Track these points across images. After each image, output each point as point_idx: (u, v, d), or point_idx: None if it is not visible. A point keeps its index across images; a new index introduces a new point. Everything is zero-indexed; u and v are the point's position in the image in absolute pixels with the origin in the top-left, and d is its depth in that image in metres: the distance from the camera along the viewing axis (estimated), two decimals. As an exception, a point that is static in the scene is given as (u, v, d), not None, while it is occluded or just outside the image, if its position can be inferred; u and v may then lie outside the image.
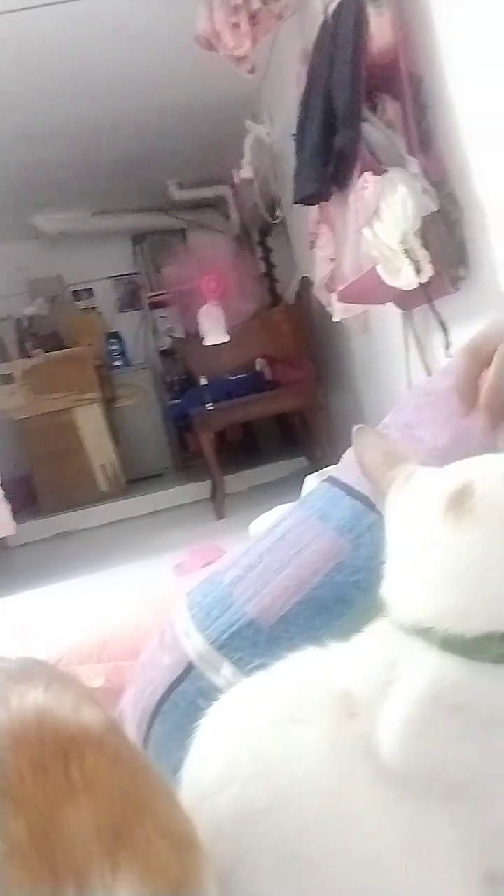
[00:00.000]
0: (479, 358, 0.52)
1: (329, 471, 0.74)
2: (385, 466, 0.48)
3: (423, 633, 0.39)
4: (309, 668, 0.45)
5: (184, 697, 0.60)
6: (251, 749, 0.41)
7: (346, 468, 0.69)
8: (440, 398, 0.64)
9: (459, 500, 0.40)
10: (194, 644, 0.62)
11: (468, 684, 0.37)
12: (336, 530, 0.63)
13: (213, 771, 0.41)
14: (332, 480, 0.69)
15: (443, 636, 0.38)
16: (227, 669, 0.59)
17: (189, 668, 0.62)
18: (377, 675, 0.40)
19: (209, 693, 0.51)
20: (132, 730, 0.63)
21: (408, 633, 0.40)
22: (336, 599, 0.59)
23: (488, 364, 0.52)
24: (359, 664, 0.43)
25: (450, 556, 0.39)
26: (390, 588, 0.43)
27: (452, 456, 0.47)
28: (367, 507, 0.62)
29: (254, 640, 0.60)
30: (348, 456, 0.71)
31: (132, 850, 0.30)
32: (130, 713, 0.65)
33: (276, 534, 0.68)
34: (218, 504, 3.15)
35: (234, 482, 3.48)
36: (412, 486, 0.45)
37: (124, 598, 1.59)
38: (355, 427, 0.53)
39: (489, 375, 0.51)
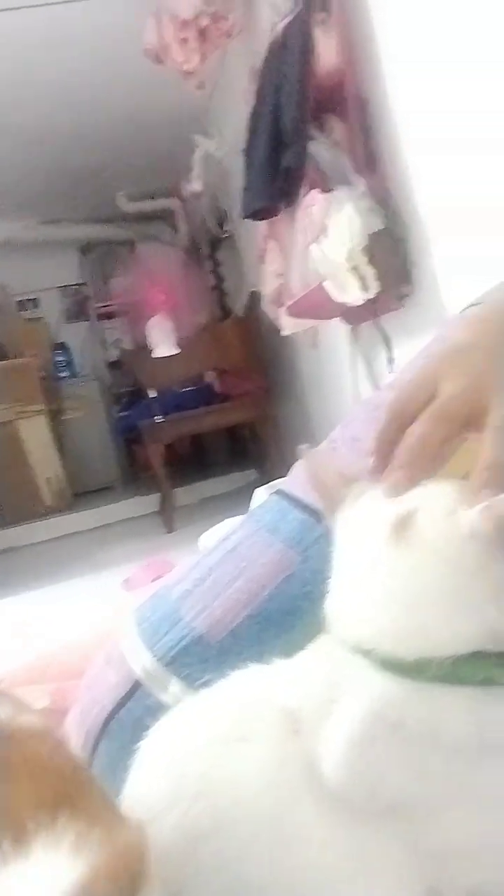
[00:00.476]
0: (403, 418, 0.50)
1: (278, 483, 0.74)
2: (339, 483, 0.48)
3: (365, 652, 0.39)
4: (253, 686, 0.45)
5: (130, 716, 0.59)
6: (195, 768, 0.40)
7: (294, 481, 0.70)
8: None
9: (401, 527, 0.40)
10: (142, 661, 0.61)
11: (408, 703, 0.38)
12: (285, 542, 0.63)
13: (158, 790, 0.40)
14: (280, 493, 0.70)
15: (383, 656, 0.38)
16: (175, 686, 0.58)
17: (136, 686, 0.60)
18: (321, 693, 0.40)
19: (156, 711, 0.50)
20: (77, 751, 0.61)
21: (351, 651, 0.40)
22: (285, 612, 0.59)
23: (410, 422, 0.50)
24: (302, 682, 0.42)
25: (388, 579, 0.40)
26: (334, 605, 0.43)
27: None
28: (316, 519, 0.62)
29: (203, 656, 0.59)
30: (297, 468, 0.72)
31: (75, 811, 0.30)
32: (75, 733, 0.64)
33: (225, 547, 0.67)
34: (167, 517, 3.12)
35: (184, 495, 3.46)
36: (362, 504, 0.45)
37: (71, 615, 1.56)
38: (302, 446, 0.53)
39: (413, 434, 0.47)
